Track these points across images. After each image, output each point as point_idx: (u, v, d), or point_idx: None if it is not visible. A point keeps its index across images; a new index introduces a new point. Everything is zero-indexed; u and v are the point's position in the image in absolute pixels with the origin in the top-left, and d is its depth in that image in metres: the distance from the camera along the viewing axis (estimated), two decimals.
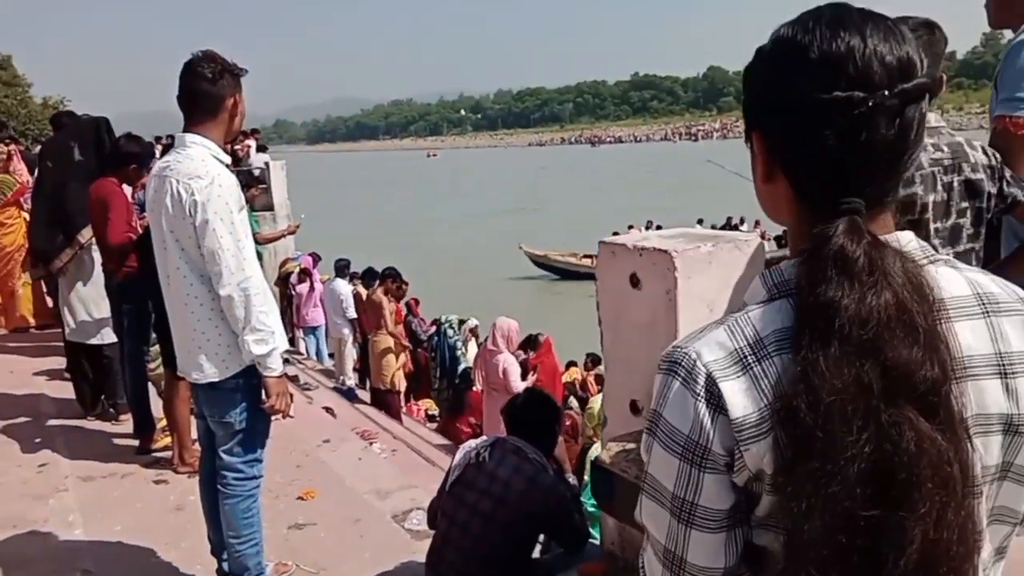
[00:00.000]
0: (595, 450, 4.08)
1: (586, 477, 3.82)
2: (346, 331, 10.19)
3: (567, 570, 3.01)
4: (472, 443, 3.15)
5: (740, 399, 0.82)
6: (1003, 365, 0.85)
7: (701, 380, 0.84)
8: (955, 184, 1.90)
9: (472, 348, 10.54)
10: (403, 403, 9.66)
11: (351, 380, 9.99)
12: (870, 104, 0.81)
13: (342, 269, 10.75)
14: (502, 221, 34.48)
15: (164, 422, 4.69)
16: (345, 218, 35.02)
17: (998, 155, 2.01)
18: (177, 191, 2.66)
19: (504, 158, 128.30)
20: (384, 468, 5.24)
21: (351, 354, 10.40)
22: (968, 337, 0.85)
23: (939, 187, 1.88)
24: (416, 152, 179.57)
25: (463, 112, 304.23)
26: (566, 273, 22.30)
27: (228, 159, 2.82)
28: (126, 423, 5.10)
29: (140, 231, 4.37)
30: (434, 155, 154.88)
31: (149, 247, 4.04)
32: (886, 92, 0.81)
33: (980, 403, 0.84)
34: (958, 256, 1.94)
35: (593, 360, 9.62)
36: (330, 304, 10.25)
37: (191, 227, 2.67)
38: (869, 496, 0.75)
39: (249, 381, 2.79)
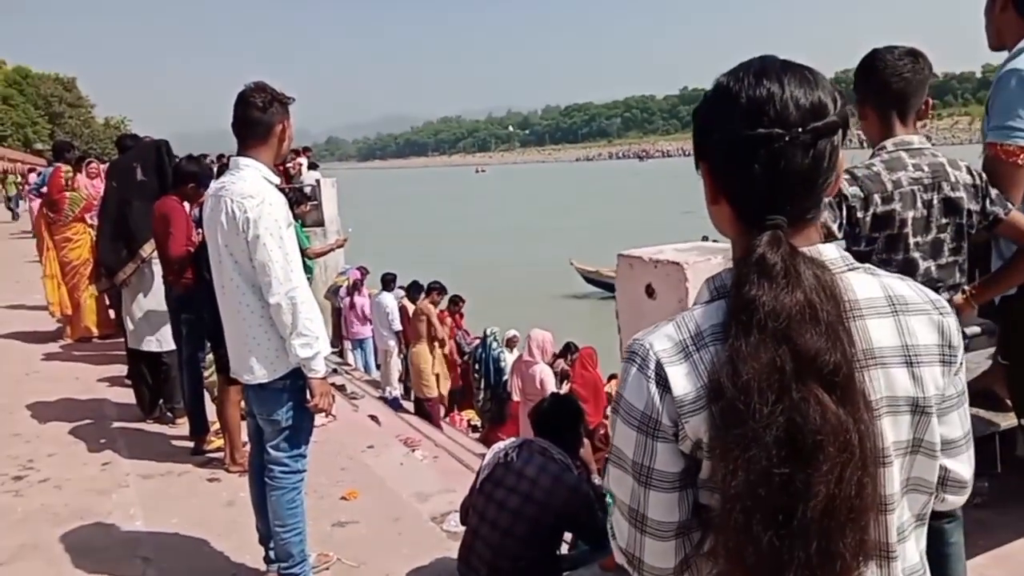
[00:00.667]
0: None
1: None
2: (392, 343, 10.46)
3: (589, 564, 3.17)
4: (501, 444, 3.34)
5: (682, 380, 0.99)
6: (909, 356, 1.02)
7: (652, 365, 1.01)
8: (935, 201, 2.04)
9: (510, 357, 10.76)
10: (445, 413, 9.88)
11: (396, 390, 10.24)
12: (787, 139, 0.97)
13: (388, 283, 11.04)
14: (551, 236, 33.80)
15: (217, 425, 4.99)
16: (395, 233, 35.31)
17: (983, 175, 2.14)
18: (231, 210, 2.92)
19: (552, 173, 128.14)
20: (425, 473, 5.44)
21: (396, 365, 10.67)
22: (877, 332, 1.01)
23: (919, 204, 2.01)
24: (465, 168, 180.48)
25: (511, 128, 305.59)
26: None
27: (277, 180, 3.08)
28: (182, 426, 5.40)
29: (196, 245, 4.67)
30: (483, 171, 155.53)
31: (204, 261, 4.34)
32: (800, 129, 0.98)
33: (890, 387, 1.01)
34: (940, 268, 2.07)
35: None
36: (376, 317, 10.55)
37: (244, 242, 2.92)
38: (782, 457, 0.90)
39: (295, 382, 3.04)
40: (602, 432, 6.60)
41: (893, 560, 1.01)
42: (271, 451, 3.10)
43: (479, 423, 10.12)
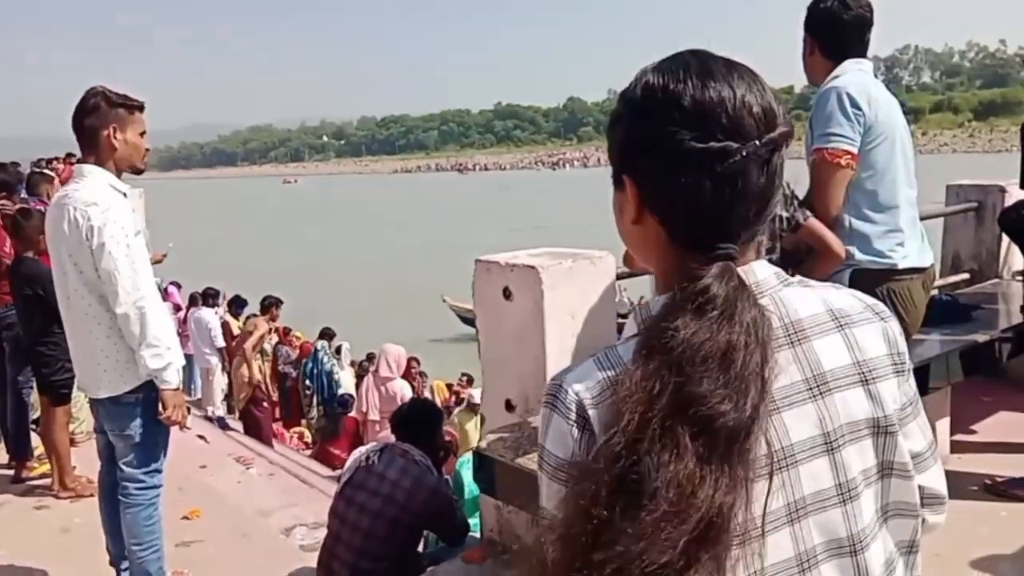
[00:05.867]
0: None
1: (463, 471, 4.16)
2: (214, 360, 10.03)
3: (451, 559, 3.31)
4: (362, 448, 3.42)
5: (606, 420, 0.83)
6: (863, 372, 0.91)
7: (574, 408, 0.87)
8: None
9: (344, 372, 10.64)
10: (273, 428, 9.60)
11: (220, 410, 9.85)
12: (743, 154, 0.83)
13: (209, 298, 10.60)
14: (396, 262, 30.90)
15: (41, 449, 4.67)
16: (206, 247, 33.00)
17: (790, 184, 2.52)
18: (74, 217, 2.82)
19: (371, 186, 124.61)
20: (264, 489, 5.37)
21: (220, 383, 10.26)
22: (827, 353, 0.90)
23: None
24: (275, 179, 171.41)
25: (325, 138, 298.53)
26: None
27: (125, 188, 3.00)
28: None
29: (11, 258, 4.38)
30: (292, 182, 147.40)
31: (22, 277, 4.10)
32: (757, 142, 0.83)
33: (848, 413, 0.89)
34: None
35: (469, 380, 9.91)
36: (198, 333, 10.07)
37: (89, 251, 2.83)
38: (610, 489, 0.76)
39: (148, 395, 2.96)
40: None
41: None
42: (124, 468, 3.00)
43: (310, 439, 9.94)
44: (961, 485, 3.45)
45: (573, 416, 0.87)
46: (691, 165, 0.84)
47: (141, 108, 3.01)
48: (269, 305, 9.54)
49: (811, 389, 0.88)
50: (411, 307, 19.89)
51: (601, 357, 0.90)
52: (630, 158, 0.90)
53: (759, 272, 0.91)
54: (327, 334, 11.09)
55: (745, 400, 0.79)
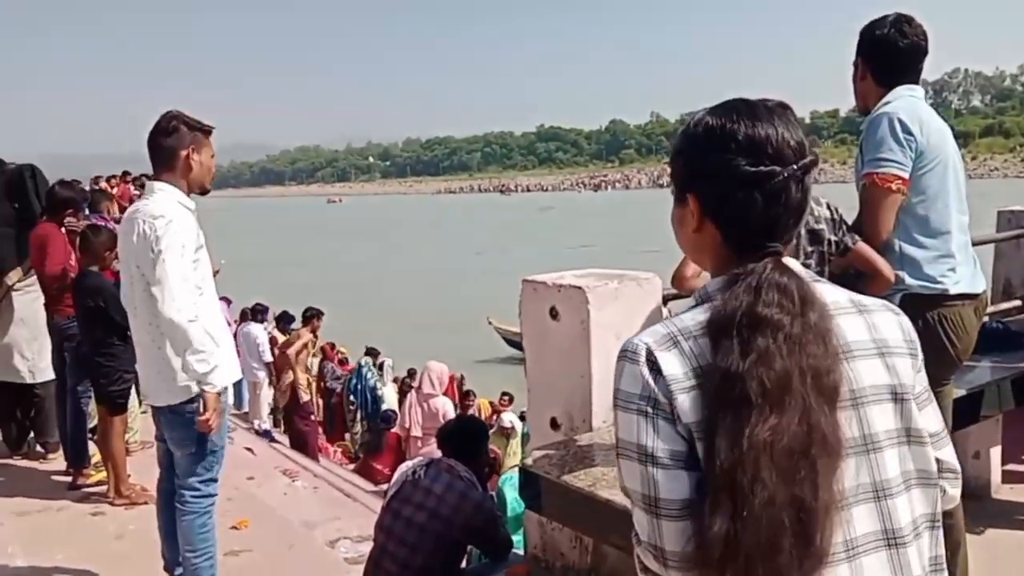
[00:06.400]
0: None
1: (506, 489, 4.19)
2: (261, 375, 10.24)
3: (496, 574, 3.34)
4: (409, 463, 3.47)
5: (671, 363, 1.06)
6: (880, 348, 1.12)
7: (643, 353, 1.08)
8: (802, 232, 2.40)
9: (387, 388, 10.77)
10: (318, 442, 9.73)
11: (267, 423, 10.02)
12: (785, 175, 1.08)
13: (258, 313, 10.84)
14: (440, 281, 30.65)
15: (97, 457, 4.82)
16: (254, 264, 33.32)
17: (838, 209, 2.53)
18: (143, 229, 2.97)
19: (415, 206, 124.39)
20: (310, 502, 5.44)
21: (267, 398, 10.45)
22: (850, 328, 1.11)
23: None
24: (321, 198, 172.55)
25: (371, 159, 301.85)
26: None
27: (192, 204, 3.14)
28: (54, 461, 5.17)
29: (76, 271, 4.56)
30: (337, 201, 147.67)
31: (84, 289, 4.26)
32: (794, 166, 1.09)
33: (871, 377, 1.09)
34: None
35: (510, 399, 9.93)
36: (246, 348, 10.29)
37: (152, 261, 2.96)
38: (787, 454, 0.97)
39: None
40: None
41: (904, 547, 1.06)
42: (181, 476, 3.10)
43: (354, 453, 10.04)
44: (1013, 516, 3.40)
45: (642, 359, 1.08)
46: (745, 184, 1.09)
47: (211, 132, 3.16)
48: (311, 316, 9.69)
49: (838, 354, 1.06)
50: (456, 327, 19.84)
51: (667, 321, 1.12)
52: (693, 180, 1.16)
53: (793, 265, 1.12)
54: (371, 352, 11.25)
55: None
